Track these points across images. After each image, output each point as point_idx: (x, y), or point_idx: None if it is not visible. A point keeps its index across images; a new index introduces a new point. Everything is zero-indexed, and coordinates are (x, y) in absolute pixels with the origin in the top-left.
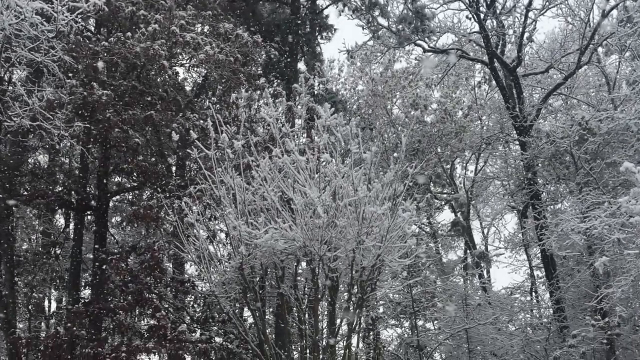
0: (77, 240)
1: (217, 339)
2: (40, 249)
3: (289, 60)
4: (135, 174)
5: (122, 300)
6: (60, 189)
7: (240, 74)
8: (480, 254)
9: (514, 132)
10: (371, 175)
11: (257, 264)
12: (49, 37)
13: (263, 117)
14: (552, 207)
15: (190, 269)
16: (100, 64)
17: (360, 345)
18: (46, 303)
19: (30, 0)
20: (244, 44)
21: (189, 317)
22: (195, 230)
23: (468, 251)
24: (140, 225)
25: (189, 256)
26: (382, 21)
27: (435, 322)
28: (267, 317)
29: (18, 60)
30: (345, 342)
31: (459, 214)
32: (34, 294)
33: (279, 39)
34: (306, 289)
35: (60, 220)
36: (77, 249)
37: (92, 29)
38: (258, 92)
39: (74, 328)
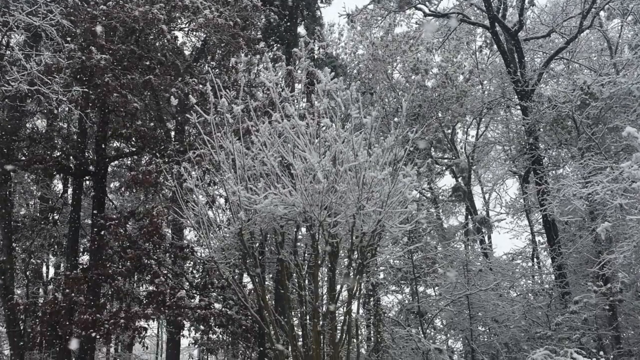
0: (75, 206)
1: (217, 305)
2: (38, 214)
3: (288, 24)
4: (133, 138)
5: (120, 266)
6: (58, 154)
7: (239, 38)
8: (481, 220)
9: (516, 96)
10: (371, 140)
11: (257, 229)
12: (47, 1)
13: (262, 82)
14: (553, 172)
15: (189, 234)
16: (98, 28)
17: (361, 311)
18: (44, 269)
19: None
20: (243, 7)
21: (188, 283)
22: (194, 196)
23: (469, 217)
24: (139, 190)
25: (188, 222)
26: None
27: (436, 288)
28: (266, 283)
29: (16, 24)
30: (345, 308)
31: (460, 179)
32: (32, 259)
33: (279, 3)
34: (306, 254)
35: (58, 186)
36: (76, 214)
37: None
38: (257, 56)
39: (72, 294)
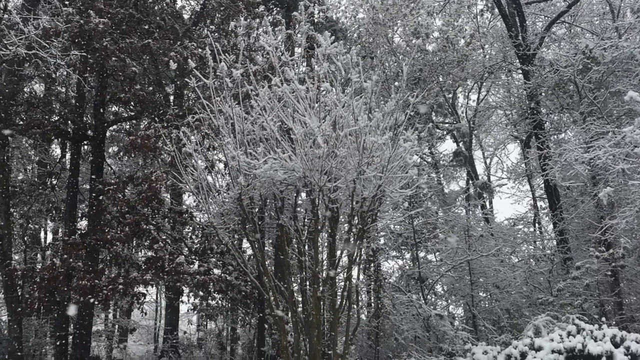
0: (73, 171)
1: (216, 271)
2: (36, 179)
3: None
4: (132, 103)
5: (119, 232)
6: (56, 118)
7: (239, 1)
8: (482, 185)
9: (517, 61)
10: (372, 104)
11: (256, 194)
12: None
13: (262, 46)
14: (555, 136)
15: (189, 199)
16: None
17: (361, 277)
18: (42, 234)
19: None
20: None
21: (187, 249)
22: (193, 161)
23: (470, 182)
24: (137, 155)
25: (187, 187)
26: None
27: (437, 253)
28: (266, 248)
29: None
30: (345, 274)
31: (461, 144)
32: (29, 225)
33: None
34: (306, 220)
35: (56, 150)
36: (74, 179)
37: None
38: (257, 20)
39: (71, 260)
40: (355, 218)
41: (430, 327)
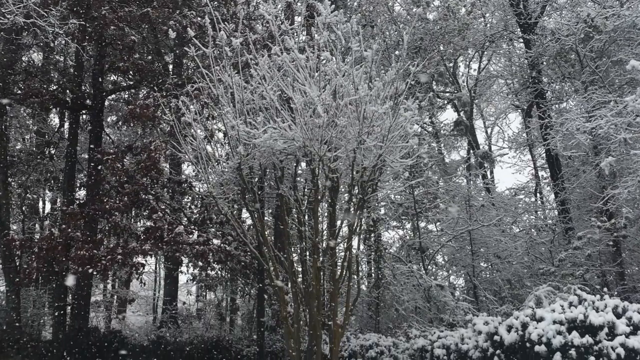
0: (72, 140)
1: (215, 241)
2: (34, 148)
3: None
4: (131, 72)
5: (118, 201)
6: (54, 87)
7: None
8: (483, 154)
9: (518, 29)
10: (372, 73)
11: (256, 164)
12: None
13: (262, 14)
14: (557, 106)
15: (188, 169)
16: None
17: (361, 247)
18: (40, 204)
19: None
20: None
21: (186, 219)
22: (192, 130)
23: (471, 151)
24: (136, 124)
25: (186, 156)
26: None
27: (438, 223)
28: (265, 218)
29: None
30: (345, 244)
31: (462, 113)
32: (28, 194)
33: None
34: (306, 190)
35: (54, 120)
36: (72, 148)
37: None
38: None
39: (69, 229)
40: (356, 188)
41: (431, 297)
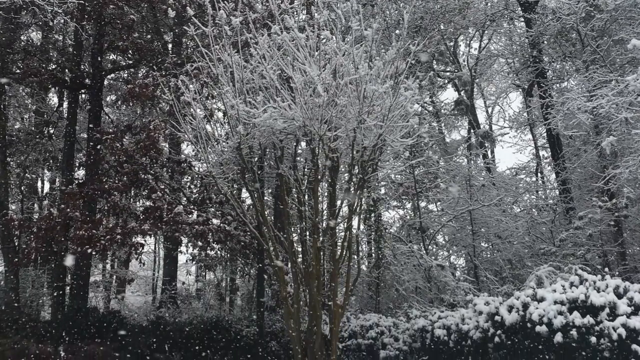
0: (71, 120)
1: (215, 221)
2: (33, 128)
3: None
4: (130, 51)
5: (117, 181)
6: (53, 66)
7: None
8: (484, 134)
9: (519, 8)
10: (372, 53)
11: (256, 144)
12: None
13: None
14: (558, 85)
15: (187, 149)
16: None
17: (361, 227)
18: (39, 184)
19: None
20: None
21: (185, 199)
22: (192, 109)
23: (472, 131)
24: (135, 104)
25: (186, 136)
26: None
27: (438, 203)
28: (265, 198)
29: None
30: (345, 224)
31: (462, 93)
32: (26, 174)
33: None
34: (306, 169)
35: (53, 99)
36: (71, 128)
37: None
38: None
39: (68, 209)
40: (356, 167)
41: (432, 277)
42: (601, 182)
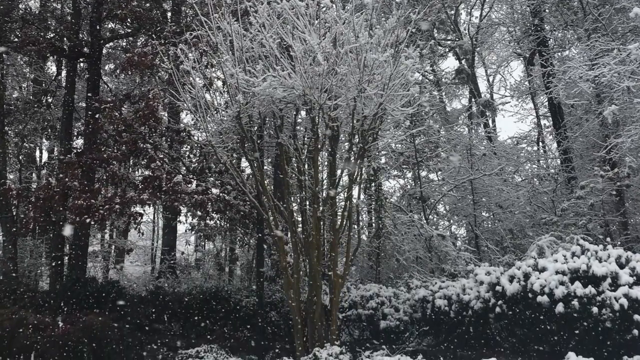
0: (69, 89)
1: (214, 190)
2: (31, 97)
3: None
4: (129, 20)
5: (115, 150)
6: (52, 35)
7: None
8: (485, 103)
9: None
10: (373, 21)
11: (255, 112)
12: None
13: None
14: (559, 54)
15: (186, 118)
16: None
17: (362, 196)
18: (37, 153)
19: None
20: None
21: (184, 168)
22: (191, 78)
23: (473, 100)
24: (134, 73)
25: (185, 105)
26: None
27: (439, 172)
28: (265, 167)
29: None
30: (345, 193)
31: (463, 62)
32: (24, 143)
33: None
34: (306, 138)
35: (52, 68)
36: (70, 97)
37: None
38: None
39: (66, 179)
40: (356, 136)
41: (432, 247)
42: (603, 151)
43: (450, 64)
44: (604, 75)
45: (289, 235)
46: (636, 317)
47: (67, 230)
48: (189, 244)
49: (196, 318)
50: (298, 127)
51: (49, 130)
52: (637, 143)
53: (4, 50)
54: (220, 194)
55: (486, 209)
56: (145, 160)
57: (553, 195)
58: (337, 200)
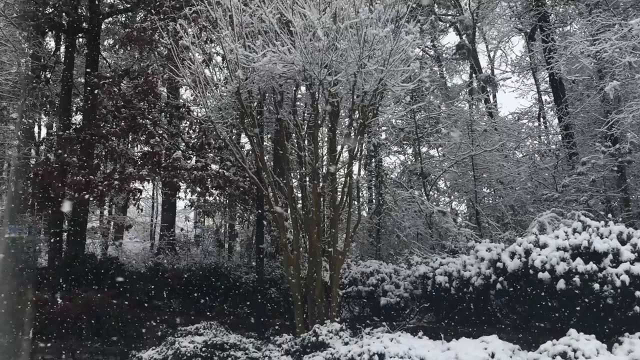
0: (68, 64)
1: (214, 166)
2: (29, 73)
3: None
4: None
5: (114, 126)
6: (50, 10)
7: None
8: (486, 78)
9: None
10: None
11: (255, 88)
12: None
13: None
14: (560, 29)
15: (186, 93)
16: None
17: (362, 172)
18: (36, 129)
19: None
20: None
21: (184, 144)
22: (190, 54)
23: (473, 75)
24: (133, 48)
25: (184, 80)
26: None
27: (440, 148)
28: (265, 143)
29: None
30: (346, 169)
31: (464, 37)
32: (23, 119)
33: None
34: (306, 114)
35: (50, 43)
36: (68, 73)
37: None
38: None
39: (65, 155)
40: (356, 112)
41: (433, 223)
42: (604, 127)
43: (450, 39)
44: (605, 50)
45: (288, 211)
46: (638, 293)
47: (66, 207)
48: (189, 221)
49: (195, 295)
50: (298, 103)
51: (48, 106)
52: (639, 119)
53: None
54: (220, 170)
55: (487, 185)
56: (144, 136)
57: (554, 172)
58: (337, 176)
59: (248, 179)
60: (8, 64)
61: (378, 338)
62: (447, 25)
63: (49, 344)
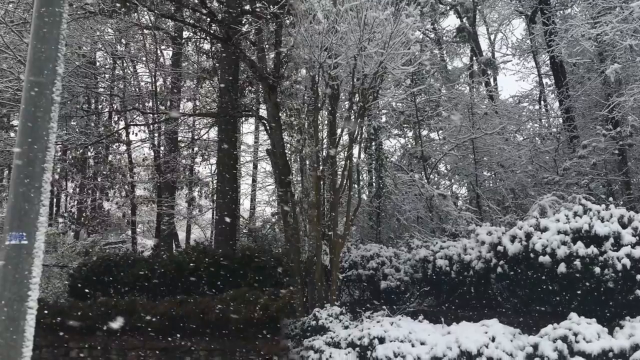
0: None
1: None
2: None
3: None
4: None
5: None
6: None
7: None
8: (486, 61)
9: None
10: None
11: None
12: None
13: None
14: (561, 12)
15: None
16: None
17: (362, 156)
18: None
19: None
20: None
21: None
22: None
23: (474, 58)
24: None
25: None
26: None
27: (440, 132)
28: None
29: None
30: (346, 152)
31: (464, 20)
32: None
33: None
34: (305, 97)
35: None
36: None
37: None
38: None
39: None
40: (356, 95)
41: (433, 207)
42: (605, 110)
43: (451, 22)
44: (606, 33)
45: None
46: (639, 277)
47: None
48: None
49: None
50: (298, 86)
51: None
52: None
53: None
54: None
55: (487, 168)
56: None
57: (555, 155)
58: (337, 159)
59: None
60: (8, 71)
61: (378, 322)
62: (448, 7)
63: None
